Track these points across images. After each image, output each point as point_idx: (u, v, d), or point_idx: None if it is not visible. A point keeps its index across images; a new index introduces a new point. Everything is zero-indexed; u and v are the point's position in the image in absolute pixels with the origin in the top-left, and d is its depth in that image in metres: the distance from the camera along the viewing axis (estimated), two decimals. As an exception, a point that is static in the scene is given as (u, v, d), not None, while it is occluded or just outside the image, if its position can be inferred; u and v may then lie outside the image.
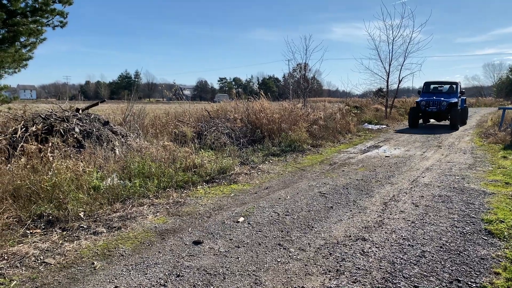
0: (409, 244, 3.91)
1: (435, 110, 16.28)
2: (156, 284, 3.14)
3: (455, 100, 16.44)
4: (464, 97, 18.30)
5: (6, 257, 3.56)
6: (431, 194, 5.84)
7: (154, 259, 3.60)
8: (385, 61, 20.63)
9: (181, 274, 3.32)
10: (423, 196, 5.70)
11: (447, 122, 17.16)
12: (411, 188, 6.22)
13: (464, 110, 17.77)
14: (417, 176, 7.07)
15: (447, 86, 18.08)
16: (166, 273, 3.33)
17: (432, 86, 18.20)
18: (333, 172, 7.50)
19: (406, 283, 3.14)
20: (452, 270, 3.36)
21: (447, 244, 3.93)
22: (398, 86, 21.47)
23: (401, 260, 3.55)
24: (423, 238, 4.07)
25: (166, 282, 3.17)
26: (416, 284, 3.12)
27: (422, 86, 18.31)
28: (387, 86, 21.03)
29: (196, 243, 3.99)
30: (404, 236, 4.14)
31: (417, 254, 3.68)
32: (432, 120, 18.17)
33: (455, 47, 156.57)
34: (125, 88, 67.45)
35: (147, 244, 3.96)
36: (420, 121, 17.67)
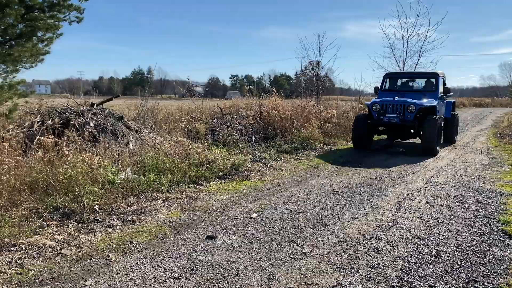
0: (424, 244, 3.87)
1: (395, 120, 9.45)
2: (170, 278, 3.17)
3: (433, 103, 9.88)
4: (452, 100, 11.68)
5: (23, 248, 3.62)
6: (446, 194, 5.76)
7: (168, 253, 3.63)
8: (399, 59, 20.35)
9: (195, 268, 3.34)
10: (437, 196, 5.63)
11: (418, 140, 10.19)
12: (426, 187, 6.14)
13: (450, 121, 11.17)
14: (432, 176, 6.98)
15: (422, 80, 11.40)
16: (180, 267, 3.35)
17: (399, 82, 11.51)
18: (346, 170, 7.45)
19: (421, 282, 3.10)
20: (468, 271, 3.31)
21: (463, 244, 3.88)
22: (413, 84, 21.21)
23: (416, 259, 3.51)
24: (439, 238, 4.02)
25: (180, 276, 3.19)
26: (431, 283, 3.08)
27: (382, 80, 11.35)
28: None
29: (210, 237, 4.00)
30: (419, 235, 4.10)
31: (433, 253, 3.64)
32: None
33: (470, 46, 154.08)
34: (138, 84, 67.97)
35: (161, 238, 3.99)
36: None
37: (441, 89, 10.58)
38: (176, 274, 3.22)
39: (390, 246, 3.82)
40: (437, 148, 9.35)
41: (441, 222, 4.51)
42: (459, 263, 3.46)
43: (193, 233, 4.12)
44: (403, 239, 4.00)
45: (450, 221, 4.54)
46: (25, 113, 7.81)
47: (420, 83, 11.49)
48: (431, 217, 4.68)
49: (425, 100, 9.77)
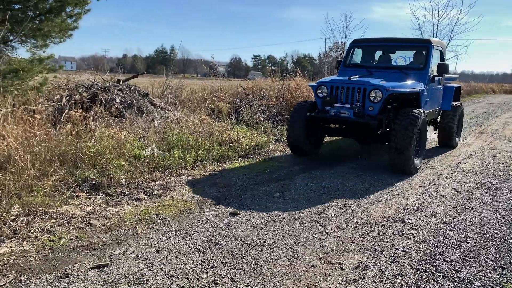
0: (450, 229, 3.81)
1: (348, 115, 5.95)
2: (195, 251, 3.23)
3: (417, 87, 6.24)
4: (455, 85, 8.00)
5: (55, 216, 3.75)
6: (474, 180, 5.63)
7: (193, 227, 3.69)
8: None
9: (220, 242, 3.39)
10: (464, 182, 5.51)
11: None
12: (452, 173, 6.01)
13: (450, 116, 7.74)
14: (458, 162, 6.82)
15: (409, 52, 7.34)
16: (205, 241, 3.41)
17: (377, 55, 7.67)
18: (370, 153, 7.36)
19: (447, 266, 3.07)
20: (496, 257, 3.26)
21: (491, 231, 3.80)
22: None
23: (442, 244, 3.47)
24: (465, 224, 3.95)
25: (205, 249, 3.26)
26: (457, 268, 3.05)
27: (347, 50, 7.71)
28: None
29: (233, 214, 4.05)
30: (445, 220, 4.04)
31: (459, 239, 3.59)
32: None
33: (503, 30, 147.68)
34: (161, 62, 68.35)
35: (186, 213, 4.06)
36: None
37: (433, 67, 6.79)
38: (201, 248, 3.28)
39: (415, 230, 3.78)
40: (417, 162, 5.83)
41: (468, 208, 4.42)
42: (486, 249, 3.40)
43: (217, 209, 4.18)
44: (428, 223, 3.95)
45: (478, 208, 4.45)
46: (53, 87, 7.98)
47: (403, 58, 7.47)
48: (457, 203, 4.59)
49: (405, 83, 6.15)
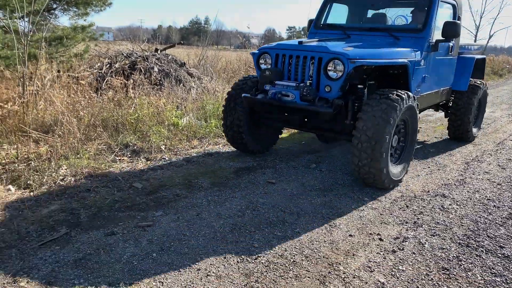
0: (494, 205, 3.69)
1: (292, 98, 3.94)
2: (233, 215, 3.30)
3: (409, 57, 4.26)
4: (476, 56, 5.93)
5: (100, 178, 3.92)
6: (520, 158, 5.38)
7: (231, 193, 3.76)
8: (476, 13, 18.56)
9: (257, 208, 3.44)
10: (510, 160, 5.27)
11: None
12: (497, 150, 5.76)
13: (465, 99, 5.74)
14: (504, 139, 6.51)
15: (409, 9, 5.25)
16: (243, 206, 3.47)
17: (370, 13, 5.53)
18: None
19: (490, 242, 2.99)
20: (543, 236, 3.14)
21: (538, 209, 3.65)
22: (488, 42, 19.47)
23: (485, 220, 3.37)
24: (511, 201, 3.81)
25: (243, 214, 3.32)
26: (502, 244, 2.96)
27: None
28: (475, 41, 19.14)
29: (270, 183, 4.08)
30: (489, 196, 3.91)
31: (504, 215, 3.47)
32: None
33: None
34: (195, 34, 68.23)
35: (224, 179, 4.13)
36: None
37: (433, 23, 4.64)
38: (239, 213, 3.35)
39: (457, 205, 3.69)
40: (400, 172, 4.10)
41: (513, 186, 4.25)
42: (533, 227, 3.28)
43: (254, 178, 4.22)
44: (471, 199, 3.83)
45: (524, 186, 4.27)
46: (94, 56, 8.18)
47: (411, 16, 5.26)
48: (503, 180, 4.42)
49: (388, 50, 4.22)
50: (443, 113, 6.34)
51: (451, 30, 4.57)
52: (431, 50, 4.71)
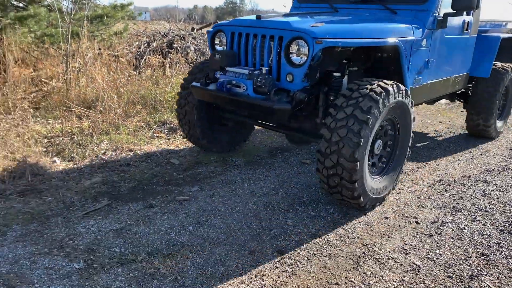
0: (540, 193, 3.52)
1: (243, 91, 3.05)
2: (267, 194, 3.33)
3: (403, 35, 3.30)
4: (499, 35, 4.76)
5: (139, 153, 4.05)
6: None
7: (264, 172, 3.79)
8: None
9: (290, 188, 3.45)
10: (560, 146, 4.98)
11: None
12: (546, 136, 5.45)
13: (485, 88, 4.76)
14: (554, 125, 6.14)
15: None
16: (277, 185, 3.49)
17: None
18: (451, 112, 6.88)
19: (535, 230, 2.87)
20: None
21: None
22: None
23: (530, 208, 3.23)
24: (559, 189, 3.62)
25: (277, 193, 3.34)
26: (547, 233, 2.84)
27: None
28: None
29: (304, 163, 4.07)
30: (535, 184, 3.73)
31: (551, 204, 3.31)
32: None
33: None
34: (230, 13, 67.94)
35: (258, 158, 4.15)
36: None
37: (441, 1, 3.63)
38: (273, 191, 3.37)
39: (500, 191, 3.54)
40: (384, 188, 3.16)
41: None
42: None
43: (287, 158, 4.22)
44: (515, 186, 3.67)
45: None
46: (133, 34, 8.34)
47: None
48: (551, 167, 4.19)
49: (376, 27, 3.29)
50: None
51: (467, 4, 3.40)
52: (437, 26, 3.65)
